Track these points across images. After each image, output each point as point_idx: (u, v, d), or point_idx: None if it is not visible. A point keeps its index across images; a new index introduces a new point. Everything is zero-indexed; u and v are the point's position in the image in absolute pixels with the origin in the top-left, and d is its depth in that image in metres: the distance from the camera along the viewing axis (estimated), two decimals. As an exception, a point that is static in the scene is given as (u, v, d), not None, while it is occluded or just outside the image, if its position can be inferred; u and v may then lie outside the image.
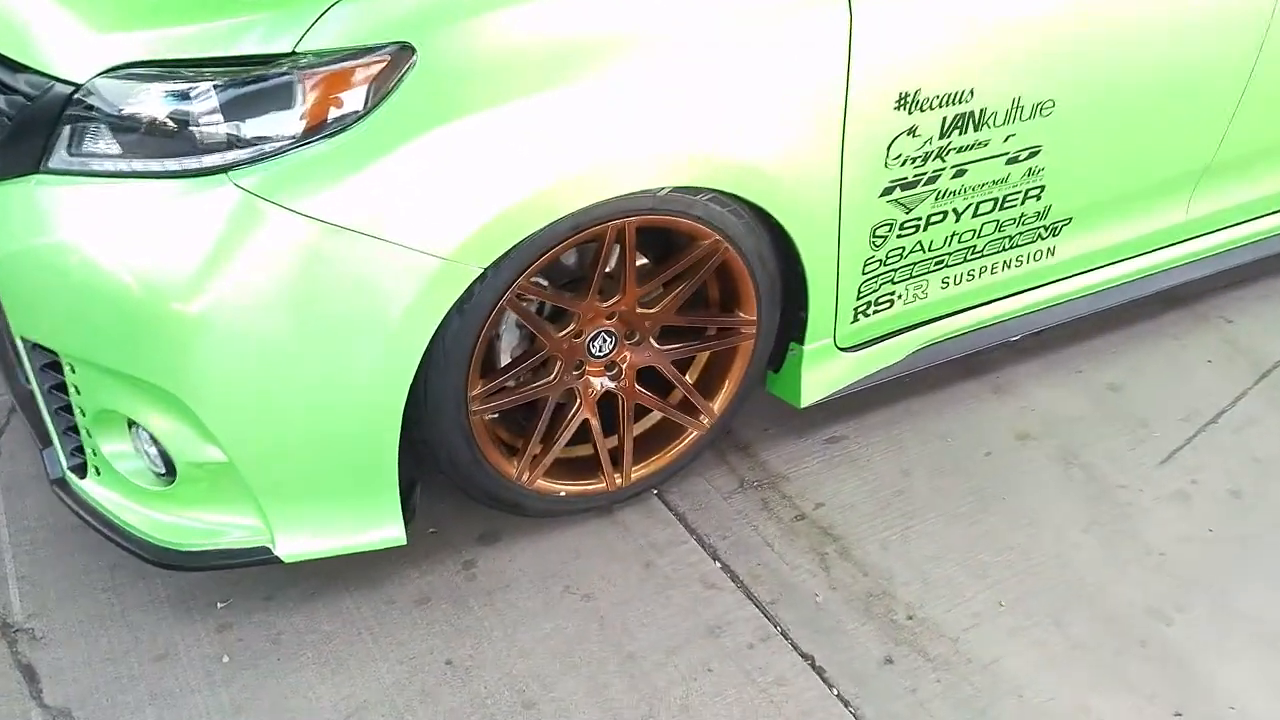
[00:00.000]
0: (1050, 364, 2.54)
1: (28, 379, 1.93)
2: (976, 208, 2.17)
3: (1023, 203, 2.23)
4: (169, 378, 1.67)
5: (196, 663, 1.83)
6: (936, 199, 2.10)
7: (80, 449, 1.89)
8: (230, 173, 1.59)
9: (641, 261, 1.96)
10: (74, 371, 1.77)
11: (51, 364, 1.81)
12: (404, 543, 1.86)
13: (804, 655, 1.85)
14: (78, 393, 1.80)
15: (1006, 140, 2.10)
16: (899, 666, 1.84)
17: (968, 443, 2.31)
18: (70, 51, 1.69)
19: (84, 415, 1.82)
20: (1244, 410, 2.42)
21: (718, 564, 2.02)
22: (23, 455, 2.22)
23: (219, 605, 1.93)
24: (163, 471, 1.81)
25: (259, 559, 1.83)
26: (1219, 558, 2.07)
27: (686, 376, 2.10)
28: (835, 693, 1.79)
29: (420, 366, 1.75)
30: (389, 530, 1.86)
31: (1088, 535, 2.10)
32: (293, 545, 1.82)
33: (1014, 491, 2.20)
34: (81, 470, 1.90)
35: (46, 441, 1.94)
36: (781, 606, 1.94)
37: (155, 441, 1.77)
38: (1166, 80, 2.25)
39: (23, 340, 1.82)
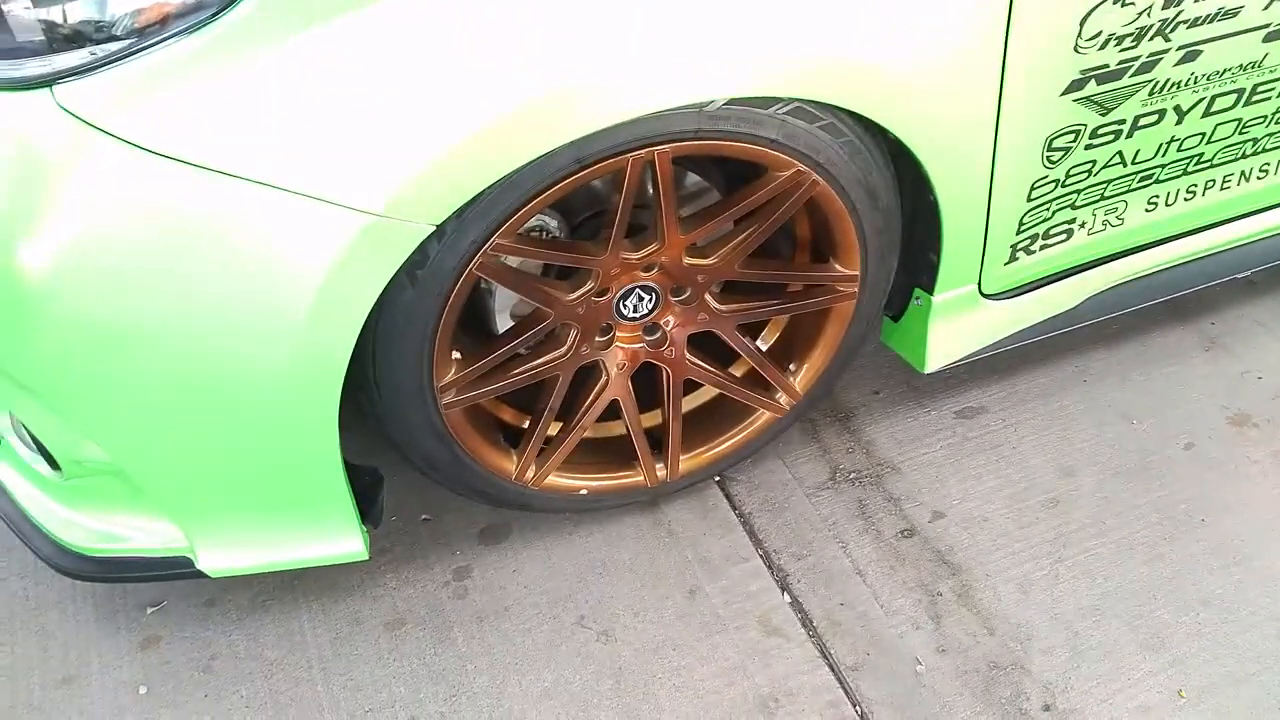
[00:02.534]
0: (1291, 309, 1.85)
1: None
2: (1210, 103, 1.48)
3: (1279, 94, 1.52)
4: (11, 360, 1.21)
5: (108, 692, 1.45)
6: (1151, 94, 1.41)
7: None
8: (55, 86, 1.07)
9: (700, 185, 1.38)
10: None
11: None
12: (365, 557, 1.40)
13: (892, 761, 1.35)
14: (-56, 353, 1.37)
15: (1270, 5, 1.38)
16: (1024, 788, 1.32)
17: (1161, 428, 1.68)
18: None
19: (-40, 380, 1.40)
20: None
21: (786, 597, 1.50)
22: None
23: (149, 610, 1.54)
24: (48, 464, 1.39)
25: (181, 572, 1.41)
26: None
27: (759, 343, 1.53)
28: (929, 821, 1.29)
29: (369, 348, 1.24)
30: (343, 543, 1.40)
31: (1321, 591, 1.49)
32: (218, 559, 1.39)
33: (1219, 509, 1.57)
34: (-13, 436, 1.50)
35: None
36: (866, 675, 1.42)
37: (27, 429, 1.34)
38: None
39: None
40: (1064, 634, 1.45)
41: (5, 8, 1.06)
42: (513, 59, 1.07)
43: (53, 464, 1.37)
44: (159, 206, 1.08)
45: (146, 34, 1.05)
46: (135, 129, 1.05)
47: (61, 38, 1.06)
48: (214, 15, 1.05)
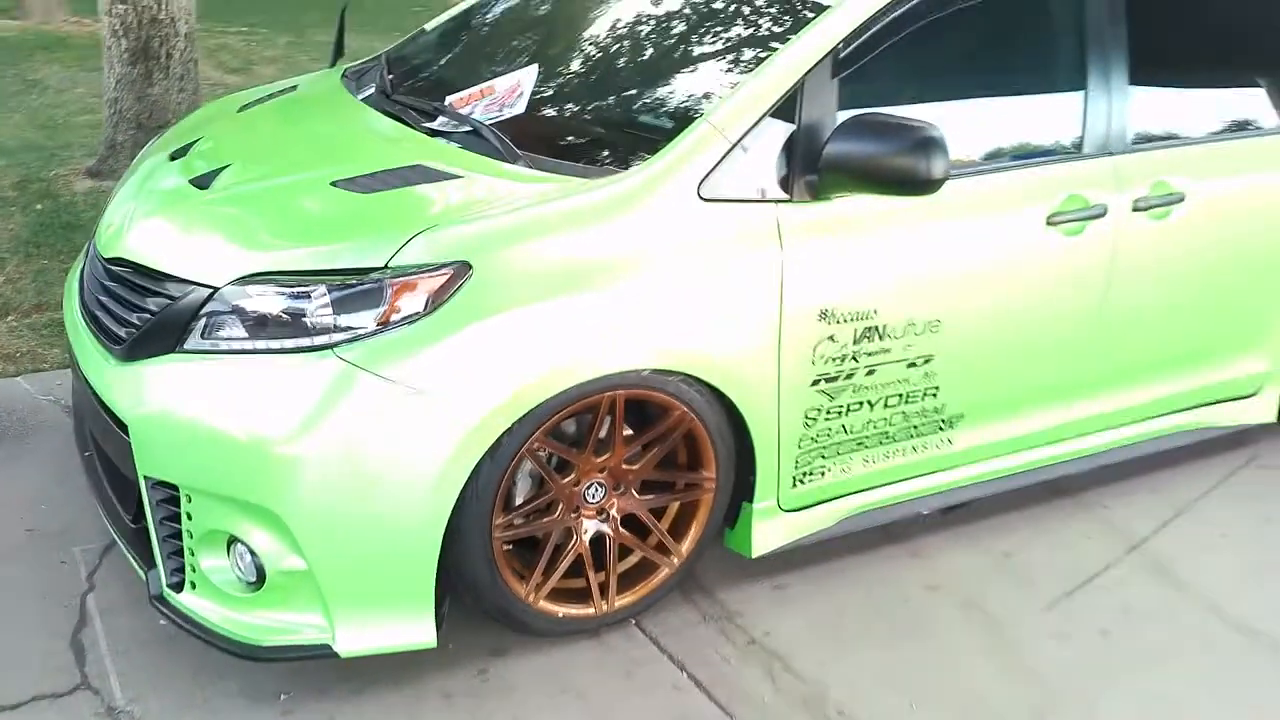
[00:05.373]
0: (956, 535, 3.10)
1: (135, 518, 2.47)
2: (886, 401, 2.79)
3: (923, 399, 2.85)
4: (275, 501, 2.20)
5: (264, 743, 2.28)
6: (854, 391, 2.71)
7: (179, 569, 2.39)
8: (335, 349, 2.20)
9: (627, 432, 2.56)
10: (190, 501, 2.30)
11: (168, 498, 2.34)
12: (434, 645, 2.34)
13: (753, 739, 2.33)
14: (189, 519, 2.32)
15: (905, 349, 2.74)
16: (828, 748, 2.32)
17: (889, 592, 2.84)
18: (210, 265, 2.35)
19: (191, 537, 2.34)
20: (1115, 574, 2.97)
21: (685, 674, 2.51)
22: (113, 585, 2.70)
23: (281, 697, 2.38)
24: (253, 580, 2.31)
25: (321, 654, 2.30)
26: (1087, 680, 2.57)
27: (661, 524, 2.65)
28: (777, 767, 2.27)
29: (457, 501, 2.30)
30: (425, 634, 2.35)
31: (982, 660, 2.61)
32: (350, 643, 2.31)
33: (926, 628, 2.71)
34: (178, 587, 2.40)
35: (150, 565, 2.44)
36: (736, 704, 2.42)
37: (252, 554, 2.28)
38: (1029, 316, 2.91)
39: (145, 479, 2.35)
40: (845, 682, 2.50)
41: (311, 314, 2.22)
42: (559, 344, 2.28)
43: (260, 579, 2.29)
44: (385, 407, 2.18)
45: (384, 326, 2.21)
46: (378, 367, 2.18)
47: (338, 326, 2.21)
48: (418, 319, 2.22)
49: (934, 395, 2.86)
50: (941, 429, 2.94)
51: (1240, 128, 3.27)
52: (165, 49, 4.07)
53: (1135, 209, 2.95)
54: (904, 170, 2.40)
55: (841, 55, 2.57)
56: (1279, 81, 3.34)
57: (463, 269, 2.25)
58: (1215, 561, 3.05)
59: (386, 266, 2.24)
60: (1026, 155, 2.91)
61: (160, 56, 4.09)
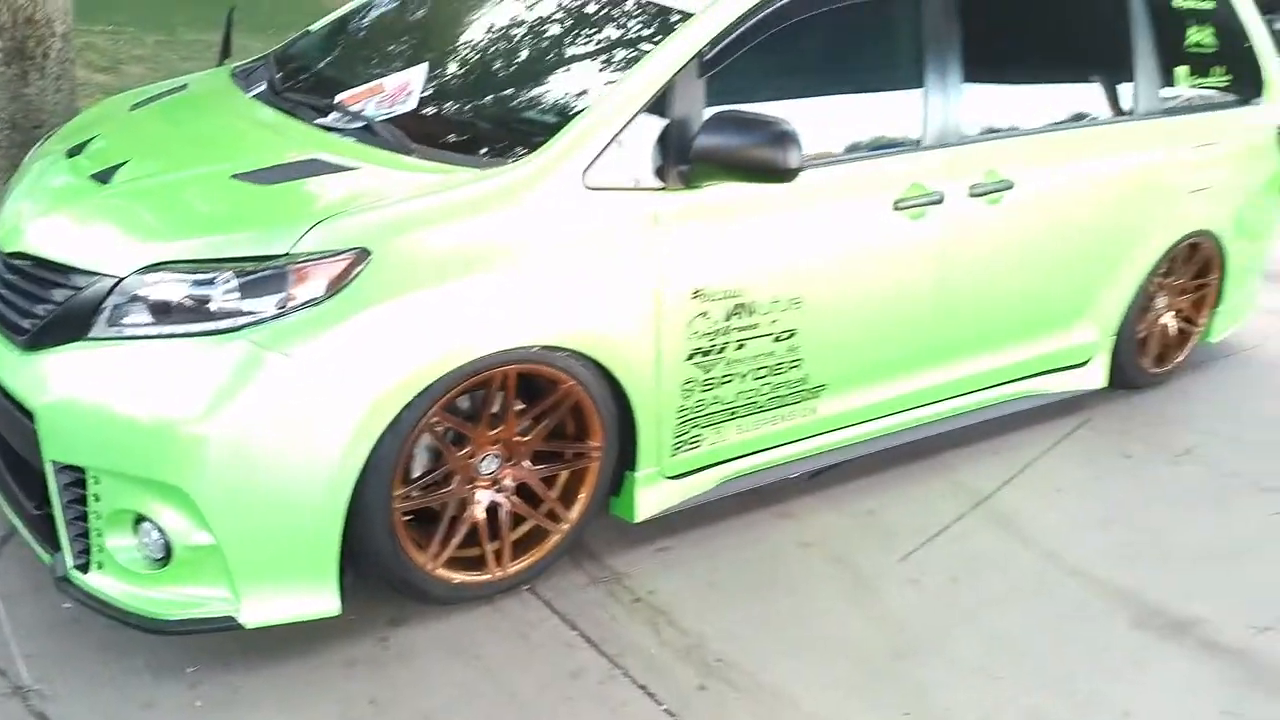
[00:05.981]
0: (824, 496, 3.36)
1: (38, 504, 2.53)
2: (755, 373, 3.02)
3: (788, 371, 3.09)
4: (185, 479, 2.31)
5: (177, 709, 2.38)
6: (726, 364, 2.94)
7: (85, 551, 2.47)
8: (240, 331, 2.32)
9: (519, 406, 2.73)
10: (97, 483, 2.39)
11: (74, 481, 2.42)
12: (338, 613, 2.48)
13: (639, 686, 2.53)
14: (97, 500, 2.40)
15: (771, 324, 2.99)
16: (710, 690, 2.54)
17: (764, 550, 3.08)
18: (114, 255, 2.44)
19: (99, 518, 2.42)
20: (962, 526, 3.28)
21: (576, 632, 2.69)
22: (13, 573, 2.75)
23: (188, 670, 2.49)
24: (161, 557, 2.41)
25: (227, 626, 2.42)
26: (939, 622, 2.86)
27: (551, 492, 2.83)
28: (664, 709, 2.47)
29: (359, 474, 2.44)
30: (329, 603, 2.48)
31: (848, 608, 2.87)
32: (255, 614, 2.42)
33: (797, 581, 2.96)
34: (84, 568, 2.48)
35: (55, 549, 2.51)
36: (624, 657, 2.62)
37: (160, 531, 2.38)
38: (880, 293, 3.19)
39: (52, 463, 2.43)
40: (724, 633, 2.73)
41: (210, 305, 2.33)
42: (454, 323, 2.44)
43: (167, 556, 2.39)
44: (291, 385, 2.31)
45: (287, 310, 2.34)
46: (284, 348, 2.31)
47: (242, 311, 2.33)
48: (319, 301, 2.36)
49: (798, 367, 3.11)
50: (806, 398, 3.20)
51: (1066, 120, 3.63)
52: (41, 49, 4.05)
53: (971, 195, 3.26)
54: (764, 160, 2.64)
55: (706, 57, 2.80)
56: (1100, 76, 3.73)
57: (361, 255, 2.39)
58: (1052, 514, 3.39)
59: (289, 253, 2.37)
60: (875, 147, 3.18)
61: (36, 56, 4.06)
